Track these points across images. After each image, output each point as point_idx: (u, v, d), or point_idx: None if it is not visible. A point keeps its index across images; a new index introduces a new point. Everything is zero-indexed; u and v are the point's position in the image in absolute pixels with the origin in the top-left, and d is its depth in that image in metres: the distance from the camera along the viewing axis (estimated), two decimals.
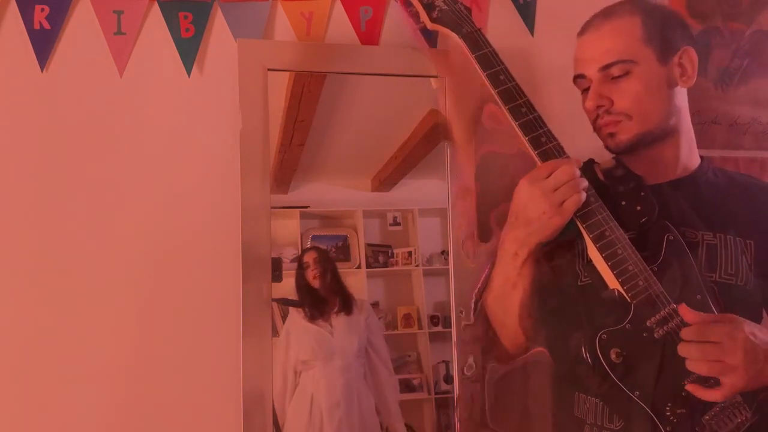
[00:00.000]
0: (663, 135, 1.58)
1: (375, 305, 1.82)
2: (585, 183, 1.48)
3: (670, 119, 1.58)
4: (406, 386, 1.82)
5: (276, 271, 1.69)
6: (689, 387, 1.38)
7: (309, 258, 1.79)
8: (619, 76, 1.56)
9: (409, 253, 1.85)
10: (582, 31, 1.62)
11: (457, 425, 1.74)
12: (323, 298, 1.78)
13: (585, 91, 1.61)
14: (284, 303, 1.73)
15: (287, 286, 1.75)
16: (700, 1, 1.92)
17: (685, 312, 1.39)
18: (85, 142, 1.73)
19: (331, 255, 1.82)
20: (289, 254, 1.76)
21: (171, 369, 1.74)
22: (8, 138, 1.71)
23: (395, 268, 1.84)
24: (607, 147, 1.60)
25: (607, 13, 1.60)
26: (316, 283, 1.77)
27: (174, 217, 1.76)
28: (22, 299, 1.70)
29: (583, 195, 1.47)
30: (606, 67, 1.56)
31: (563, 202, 1.46)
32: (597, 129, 1.60)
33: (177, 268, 1.76)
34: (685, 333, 1.38)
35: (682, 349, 1.38)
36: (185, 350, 1.74)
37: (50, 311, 1.71)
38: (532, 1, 1.92)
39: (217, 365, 1.73)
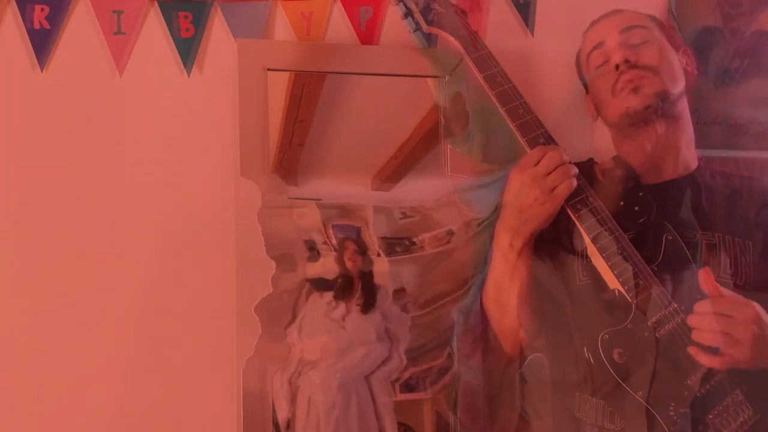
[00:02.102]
0: (673, 111, 1.60)
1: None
2: (575, 169, 1.49)
3: (680, 99, 1.60)
4: (406, 386, 1.82)
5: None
6: (690, 349, 1.39)
7: (350, 244, 1.78)
8: (639, 44, 1.58)
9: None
10: (591, 25, 1.65)
11: (458, 425, 1.74)
12: (351, 282, 1.76)
13: (599, 68, 1.62)
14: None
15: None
16: (700, 0, 1.92)
17: (705, 278, 1.40)
18: (85, 141, 1.73)
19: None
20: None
21: (170, 368, 1.74)
22: (8, 138, 1.71)
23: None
24: (626, 110, 1.60)
25: (617, 11, 1.64)
26: (349, 264, 1.76)
27: (173, 217, 1.76)
28: (19, 299, 1.70)
29: (574, 181, 1.48)
30: (627, 29, 1.58)
31: (554, 188, 1.47)
32: (618, 90, 1.61)
33: (176, 268, 1.76)
34: (698, 306, 1.39)
35: (692, 320, 1.39)
36: (185, 349, 1.74)
37: (48, 310, 1.70)
38: (532, 1, 1.91)
39: (217, 365, 1.72)
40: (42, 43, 1.71)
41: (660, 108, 1.58)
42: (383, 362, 1.76)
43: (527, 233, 1.51)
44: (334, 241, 1.76)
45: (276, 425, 1.69)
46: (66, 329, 1.70)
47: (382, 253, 1.79)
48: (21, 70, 1.71)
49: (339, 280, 1.74)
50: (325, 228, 1.77)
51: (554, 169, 1.48)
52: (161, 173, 1.76)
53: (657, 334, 1.42)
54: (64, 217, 1.72)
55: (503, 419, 1.70)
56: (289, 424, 1.70)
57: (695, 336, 1.38)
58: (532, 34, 1.91)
